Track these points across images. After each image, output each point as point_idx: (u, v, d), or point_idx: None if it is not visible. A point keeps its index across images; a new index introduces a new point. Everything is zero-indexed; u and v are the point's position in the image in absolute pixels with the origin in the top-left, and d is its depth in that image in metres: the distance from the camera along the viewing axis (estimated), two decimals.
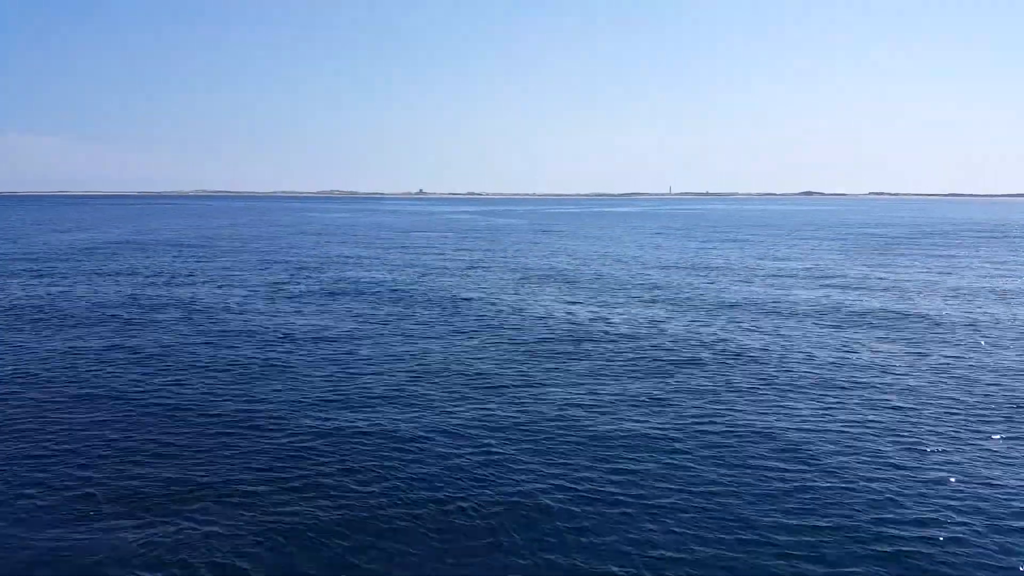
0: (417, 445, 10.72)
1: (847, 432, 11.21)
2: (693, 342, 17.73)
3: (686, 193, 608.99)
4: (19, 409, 12.47)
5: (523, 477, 9.58)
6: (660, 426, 11.47)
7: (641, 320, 20.78)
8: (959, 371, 14.87)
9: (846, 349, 16.94)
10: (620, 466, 9.93)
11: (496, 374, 14.67)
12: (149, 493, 9.14)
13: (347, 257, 41.21)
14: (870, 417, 11.92)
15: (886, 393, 13.34)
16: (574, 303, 23.98)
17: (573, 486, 9.28)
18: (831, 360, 15.85)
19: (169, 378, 14.39)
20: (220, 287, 27.85)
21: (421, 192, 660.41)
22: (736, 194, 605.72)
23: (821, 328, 19.63)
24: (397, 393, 13.38)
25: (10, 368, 15.21)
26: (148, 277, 31.03)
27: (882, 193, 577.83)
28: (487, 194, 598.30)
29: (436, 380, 14.29)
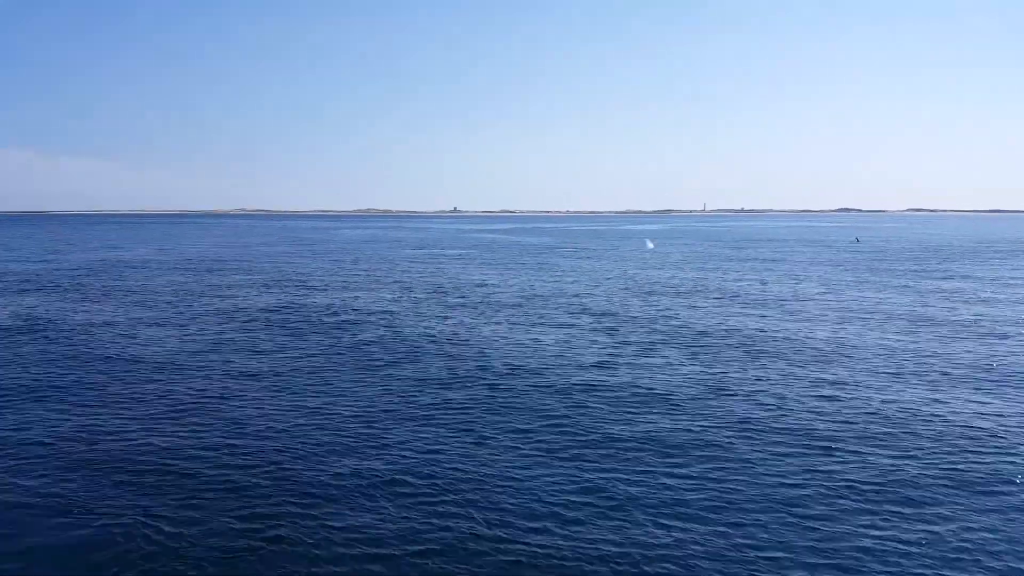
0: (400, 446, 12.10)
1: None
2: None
3: (721, 210, 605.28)
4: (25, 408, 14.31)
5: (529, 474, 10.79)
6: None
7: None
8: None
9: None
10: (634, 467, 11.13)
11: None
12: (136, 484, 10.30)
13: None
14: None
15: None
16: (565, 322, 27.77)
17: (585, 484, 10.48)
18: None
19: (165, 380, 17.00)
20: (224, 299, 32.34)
21: (455, 210, 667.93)
22: (771, 211, 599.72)
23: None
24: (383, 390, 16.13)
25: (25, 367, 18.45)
26: (152, 294, 35.67)
27: (920, 209, 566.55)
28: (521, 212, 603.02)
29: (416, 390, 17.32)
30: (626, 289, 35.55)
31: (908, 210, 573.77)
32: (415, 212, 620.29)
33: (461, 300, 31.07)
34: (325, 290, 34.99)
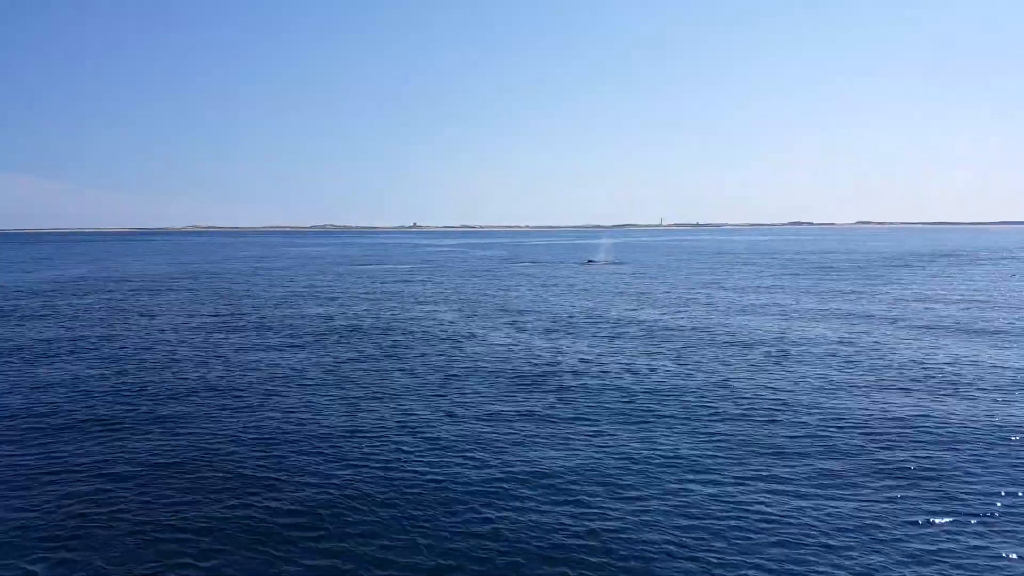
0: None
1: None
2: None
3: (677, 224, 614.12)
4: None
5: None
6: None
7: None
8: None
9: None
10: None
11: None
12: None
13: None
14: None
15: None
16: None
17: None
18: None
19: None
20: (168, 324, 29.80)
21: (415, 225, 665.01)
22: (726, 224, 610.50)
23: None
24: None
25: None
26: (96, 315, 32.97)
27: (869, 222, 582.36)
28: (481, 227, 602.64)
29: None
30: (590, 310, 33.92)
31: (857, 223, 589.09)
32: (374, 228, 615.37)
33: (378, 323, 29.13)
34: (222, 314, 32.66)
